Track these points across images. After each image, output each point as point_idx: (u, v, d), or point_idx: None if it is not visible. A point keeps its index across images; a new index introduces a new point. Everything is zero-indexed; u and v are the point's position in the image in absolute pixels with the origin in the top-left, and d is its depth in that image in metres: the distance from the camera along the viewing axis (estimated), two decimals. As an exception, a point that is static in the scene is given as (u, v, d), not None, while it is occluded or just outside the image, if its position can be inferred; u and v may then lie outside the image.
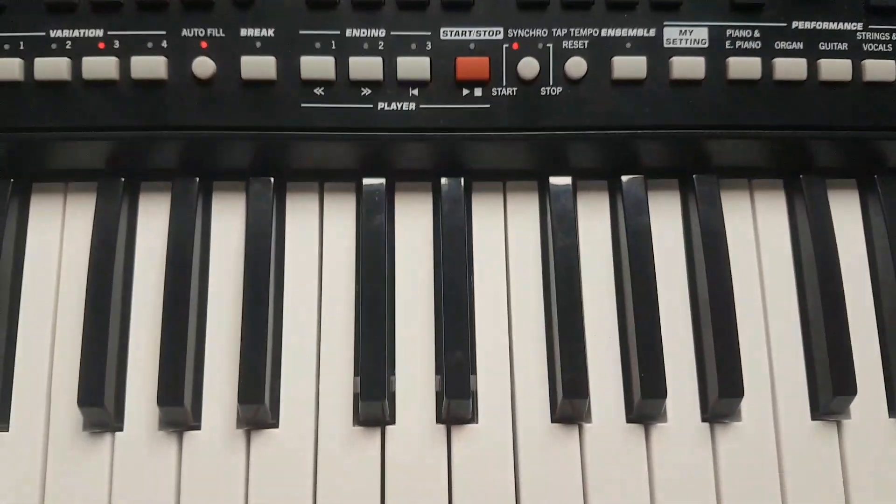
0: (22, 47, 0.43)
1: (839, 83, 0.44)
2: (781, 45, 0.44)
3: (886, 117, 0.44)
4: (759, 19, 0.44)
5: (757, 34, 0.44)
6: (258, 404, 0.41)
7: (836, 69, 0.43)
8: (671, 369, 0.42)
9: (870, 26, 0.44)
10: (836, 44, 0.44)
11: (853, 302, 0.44)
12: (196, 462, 0.42)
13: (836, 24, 0.44)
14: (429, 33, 0.43)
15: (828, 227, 0.44)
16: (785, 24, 0.44)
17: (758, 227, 0.46)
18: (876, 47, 0.44)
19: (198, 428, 0.43)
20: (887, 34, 0.44)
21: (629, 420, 0.43)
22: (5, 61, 0.43)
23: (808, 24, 0.44)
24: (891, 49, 0.44)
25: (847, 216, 0.46)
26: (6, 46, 0.43)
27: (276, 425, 0.43)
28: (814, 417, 0.44)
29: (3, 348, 0.44)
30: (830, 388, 0.42)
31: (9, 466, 0.42)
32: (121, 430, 0.43)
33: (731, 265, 0.44)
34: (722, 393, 0.41)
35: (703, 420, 0.43)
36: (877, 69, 0.43)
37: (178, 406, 0.41)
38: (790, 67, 0.43)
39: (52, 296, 0.44)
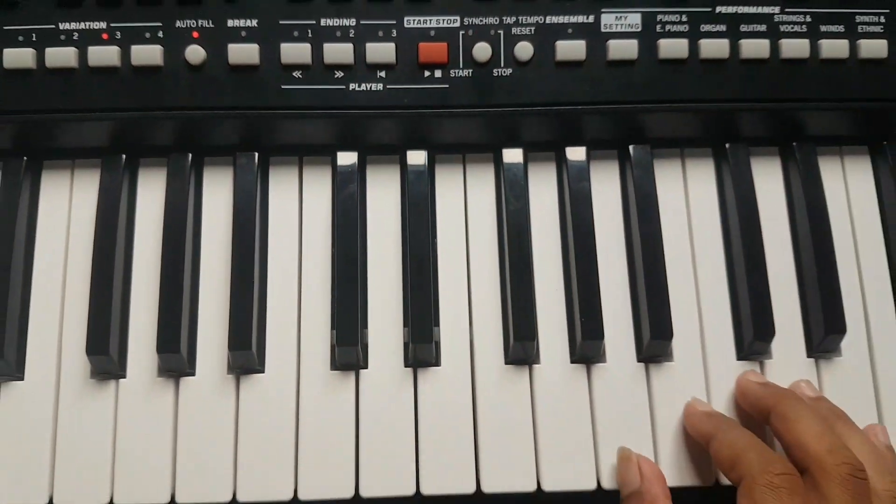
0: (34, 38, 0.46)
1: (759, 61, 0.47)
2: (706, 27, 0.47)
3: (801, 90, 0.47)
4: (687, 5, 0.47)
5: (684, 18, 0.47)
6: (246, 351, 0.45)
7: (755, 48, 0.46)
8: (609, 316, 0.46)
9: (786, 10, 0.47)
10: (755, 26, 0.47)
11: (774, 256, 0.48)
12: (191, 404, 0.45)
13: (755, 7, 0.47)
14: (394, 22, 0.46)
15: (750, 190, 0.48)
16: (710, 9, 0.47)
17: (688, 191, 0.49)
18: (791, 28, 0.47)
19: (193, 374, 0.46)
20: (802, 17, 0.47)
21: (573, 361, 0.46)
22: (19, 51, 0.45)
23: (730, 9, 0.47)
24: (805, 30, 0.47)
25: (769, 179, 0.50)
26: (20, 38, 0.46)
27: (262, 371, 0.46)
28: (738, 358, 0.47)
29: (19, 307, 0.47)
30: (752, 332, 0.46)
31: (25, 411, 0.45)
32: (124, 376, 0.46)
33: (665, 225, 0.47)
34: (654, 335, 0.45)
35: (639, 360, 0.47)
36: (792, 48, 0.47)
37: (176, 353, 0.45)
38: (714, 47, 0.46)
39: (62, 260, 0.48)
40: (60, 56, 0.46)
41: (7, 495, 0.44)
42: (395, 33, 0.46)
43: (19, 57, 0.46)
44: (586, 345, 0.45)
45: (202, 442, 0.45)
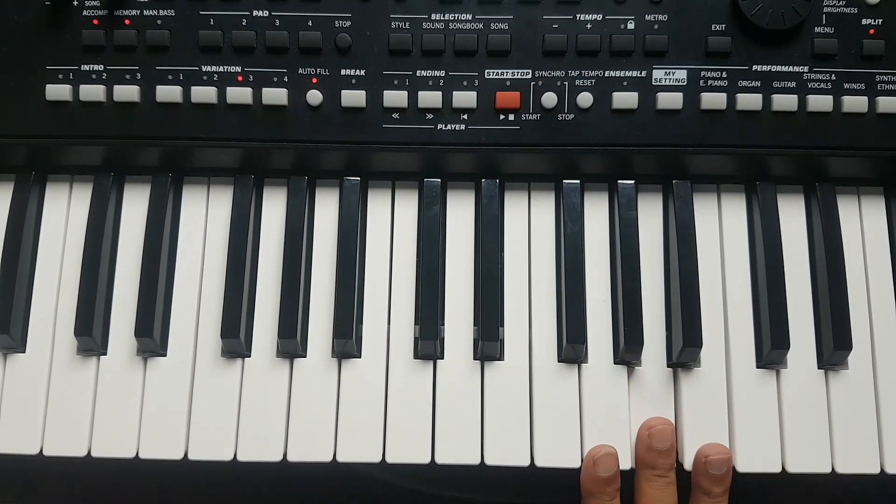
0: (181, 78, 0.52)
1: (787, 113, 0.51)
2: (743, 83, 0.51)
3: (825, 139, 0.52)
4: (727, 63, 0.51)
5: (724, 75, 0.51)
6: (347, 339, 0.52)
7: (785, 102, 0.51)
8: (648, 326, 0.52)
9: (814, 69, 0.52)
10: (786, 82, 0.51)
11: (793, 280, 0.53)
12: (303, 381, 0.52)
13: (786, 67, 0.52)
14: (476, 74, 0.52)
15: (776, 222, 0.53)
16: (747, 67, 0.51)
17: (722, 222, 0.55)
18: (818, 85, 0.52)
19: (304, 356, 0.53)
20: (827, 75, 0.52)
21: (615, 362, 0.52)
22: (170, 88, 0.52)
23: (765, 67, 0.52)
24: (829, 87, 0.52)
25: (793, 214, 0.55)
26: (169, 77, 0.52)
27: (359, 356, 0.52)
28: (758, 366, 0.52)
29: (164, 299, 0.53)
30: (770, 343, 0.51)
31: (166, 387, 0.52)
32: (249, 356, 0.52)
33: (699, 250, 0.53)
34: (686, 343, 0.51)
35: (668, 366, 0.53)
36: (818, 102, 0.51)
37: (293, 339, 0.52)
38: (749, 101, 0.51)
39: (199, 259, 0.54)
40: (203, 94, 0.52)
41: (150, 451, 0.51)
42: (476, 83, 0.52)
43: (169, 93, 0.52)
44: (628, 350, 0.52)
45: (310, 412, 0.51)
